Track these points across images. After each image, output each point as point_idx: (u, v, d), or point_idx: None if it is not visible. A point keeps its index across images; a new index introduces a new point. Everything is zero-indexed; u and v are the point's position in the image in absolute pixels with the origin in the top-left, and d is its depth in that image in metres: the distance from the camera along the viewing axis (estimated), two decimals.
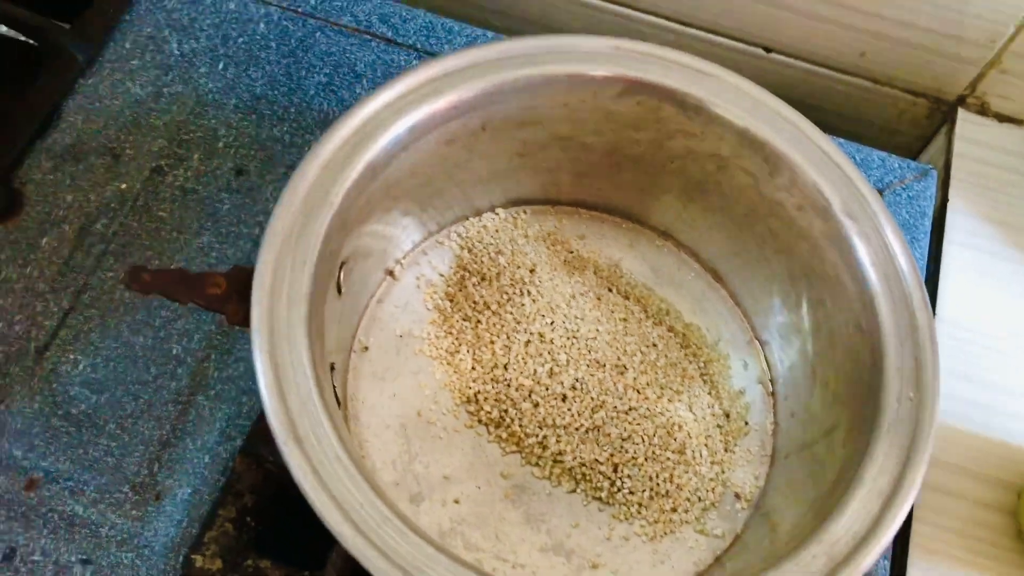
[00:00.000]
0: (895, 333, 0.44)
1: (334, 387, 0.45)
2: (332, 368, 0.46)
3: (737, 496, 0.52)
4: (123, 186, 0.60)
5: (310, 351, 0.40)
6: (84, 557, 0.50)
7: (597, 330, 0.54)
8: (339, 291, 0.47)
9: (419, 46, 0.68)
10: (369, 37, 0.68)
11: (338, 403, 0.45)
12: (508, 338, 0.53)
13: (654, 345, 0.54)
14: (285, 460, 0.38)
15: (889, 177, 0.67)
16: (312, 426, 0.38)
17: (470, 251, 0.56)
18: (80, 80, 0.63)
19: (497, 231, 0.57)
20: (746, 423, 0.53)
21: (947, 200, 0.69)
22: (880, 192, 0.65)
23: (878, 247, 0.46)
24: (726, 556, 0.49)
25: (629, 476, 0.50)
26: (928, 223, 0.66)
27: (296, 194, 0.43)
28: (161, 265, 0.58)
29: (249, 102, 0.64)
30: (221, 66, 0.65)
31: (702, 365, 0.55)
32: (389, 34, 0.68)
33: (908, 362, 0.43)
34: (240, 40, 0.67)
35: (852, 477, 0.41)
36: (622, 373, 0.53)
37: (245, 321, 0.40)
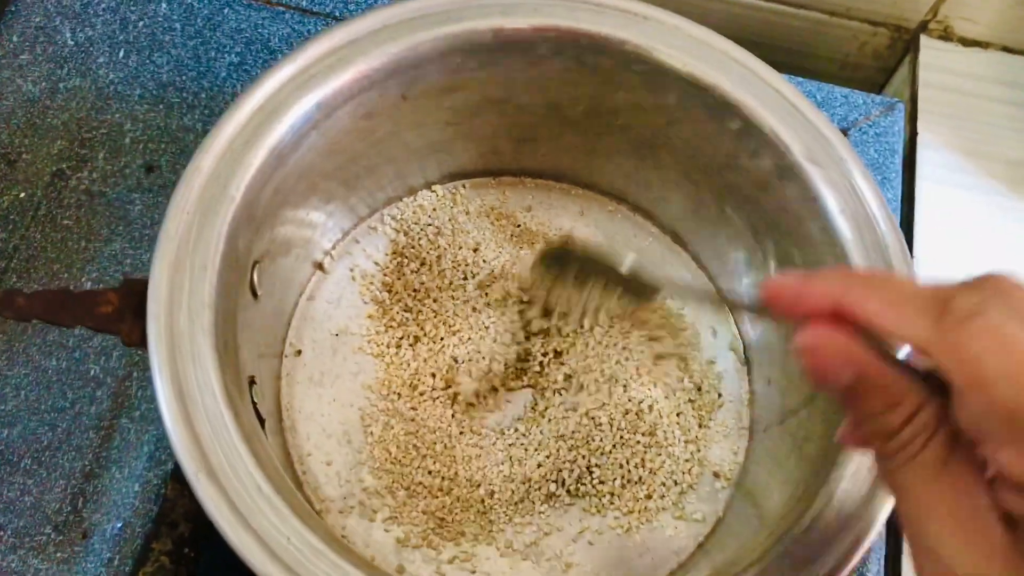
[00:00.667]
0: None
1: (254, 403, 0.40)
2: (252, 383, 0.41)
3: (716, 475, 0.48)
4: (21, 195, 0.55)
5: (219, 368, 0.35)
6: None
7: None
8: (254, 294, 0.42)
9: (337, 14, 0.62)
10: (282, 9, 0.62)
11: (261, 421, 0.41)
12: (454, 327, 0.48)
13: (614, 320, 0.50)
14: (197, 496, 0.33)
15: (854, 115, 0.63)
16: (226, 455, 0.34)
17: (406, 234, 0.51)
18: None
19: (435, 210, 0.52)
20: (719, 395, 0.49)
21: (916, 134, 0.65)
22: (845, 131, 0.61)
23: (846, 193, 0.41)
24: (709, 542, 0.46)
25: (597, 465, 0.46)
26: (899, 161, 0.62)
27: (190, 191, 0.38)
28: (70, 278, 0.53)
29: (155, 91, 0.59)
30: (122, 54, 0.60)
31: (668, 336, 0.50)
32: (303, 3, 0.62)
33: None
34: (141, 24, 0.61)
35: (839, 450, 0.37)
36: (583, 354, 0.49)
37: (142, 340, 0.35)
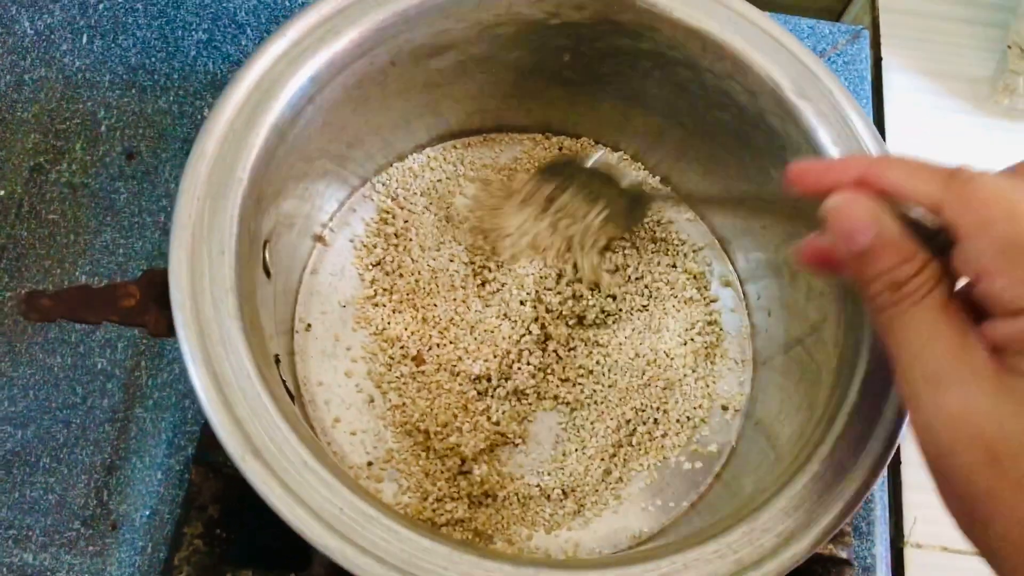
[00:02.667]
0: None
1: (283, 381, 0.41)
2: (277, 361, 0.41)
3: (724, 408, 0.49)
4: (1, 193, 0.54)
5: (250, 351, 0.35)
6: None
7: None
8: (267, 273, 0.42)
9: None
10: None
11: (291, 397, 0.41)
12: (457, 288, 0.49)
13: (618, 266, 0.51)
14: (247, 478, 0.33)
15: (821, 45, 0.64)
16: (269, 435, 0.34)
17: (399, 199, 0.51)
18: None
19: (426, 172, 0.53)
20: (721, 328, 0.51)
21: (880, 59, 0.66)
22: None
23: (838, 125, 0.42)
24: (726, 472, 0.47)
25: (612, 412, 0.47)
26: (868, 87, 0.63)
27: (198, 177, 0.37)
28: (64, 274, 0.52)
29: (125, 75, 0.57)
30: (85, 39, 0.58)
31: (677, 272, 0.52)
32: None
33: None
34: (101, 7, 0.59)
35: (850, 378, 0.38)
36: (587, 301, 0.50)
37: (169, 330, 0.35)
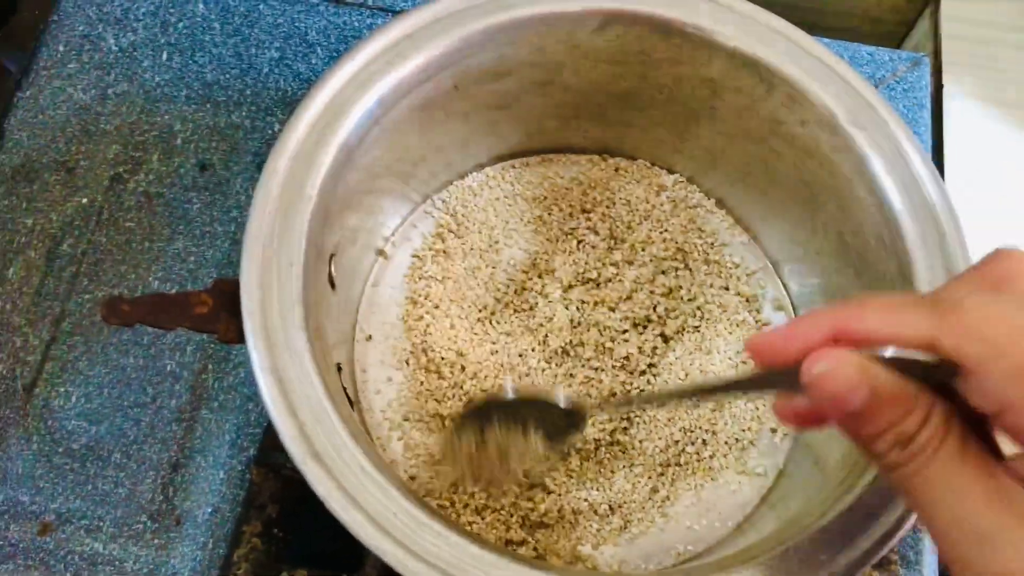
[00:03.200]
0: (921, 244, 0.42)
1: (344, 389, 0.42)
2: (339, 369, 0.43)
3: (773, 430, 0.50)
4: (83, 200, 0.57)
5: (314, 359, 0.37)
6: None
7: (608, 282, 0.52)
8: (332, 286, 0.44)
9: (370, 3, 0.63)
10: (315, 1, 0.63)
11: (351, 404, 0.43)
12: (508, 305, 0.51)
13: (671, 288, 0.52)
14: (308, 480, 0.35)
15: (880, 72, 0.64)
16: (329, 440, 0.36)
17: (455, 216, 0.53)
18: (17, 93, 0.59)
19: (484, 191, 0.54)
20: None
21: (941, 87, 0.66)
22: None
23: (891, 155, 0.43)
24: (772, 495, 0.48)
25: (661, 432, 0.48)
26: (927, 115, 0.63)
27: (269, 193, 0.39)
28: (138, 279, 0.55)
29: (201, 91, 0.60)
30: (165, 56, 0.61)
31: (729, 294, 0.52)
32: None
33: (940, 274, 0.41)
34: (181, 25, 0.62)
35: None
36: (643, 326, 0.51)
37: (239, 337, 0.37)
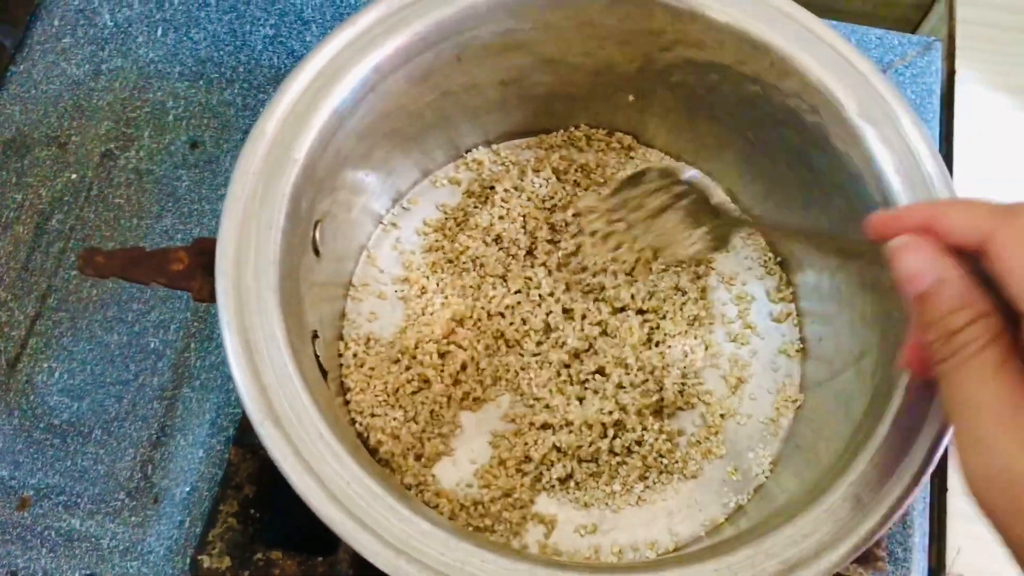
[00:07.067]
0: None
1: (317, 357, 0.42)
2: (315, 336, 0.43)
3: (768, 422, 0.48)
4: (73, 176, 0.56)
5: (284, 322, 0.36)
6: (88, 572, 0.48)
7: (605, 271, 0.50)
8: (316, 252, 0.43)
9: None
10: None
11: (323, 374, 0.42)
12: (506, 279, 0.50)
13: (677, 288, 0.51)
14: (263, 442, 0.35)
15: (889, 56, 0.62)
16: (291, 404, 0.35)
17: (460, 191, 0.52)
18: (11, 67, 0.59)
19: (489, 167, 0.53)
20: (770, 349, 0.50)
21: (954, 72, 0.64)
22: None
23: (901, 151, 0.41)
24: (764, 484, 0.46)
25: (659, 431, 0.47)
26: (936, 101, 0.61)
27: (255, 153, 0.39)
28: None
29: (194, 67, 0.60)
30: (160, 32, 0.61)
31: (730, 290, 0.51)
32: None
33: None
34: (177, 1, 0.62)
35: (883, 409, 0.37)
36: (645, 320, 0.50)
37: (212, 296, 0.37)
